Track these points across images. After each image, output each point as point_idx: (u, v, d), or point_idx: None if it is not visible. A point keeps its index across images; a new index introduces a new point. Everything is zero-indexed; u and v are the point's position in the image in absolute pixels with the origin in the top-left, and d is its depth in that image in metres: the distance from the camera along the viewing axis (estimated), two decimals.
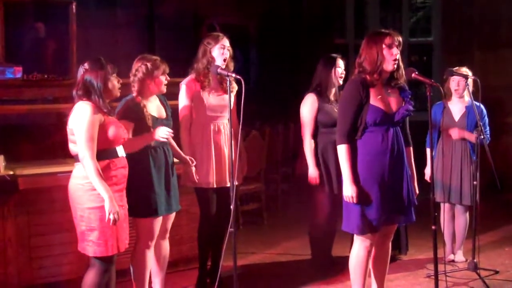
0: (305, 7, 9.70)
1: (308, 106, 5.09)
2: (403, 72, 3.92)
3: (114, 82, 3.78)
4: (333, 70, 5.10)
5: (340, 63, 5.16)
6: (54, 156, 5.23)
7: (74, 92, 3.74)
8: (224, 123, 4.70)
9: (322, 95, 5.09)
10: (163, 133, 4.09)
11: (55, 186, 4.41)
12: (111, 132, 3.70)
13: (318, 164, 5.06)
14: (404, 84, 3.98)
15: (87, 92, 3.68)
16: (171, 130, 4.15)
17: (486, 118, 5.28)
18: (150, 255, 4.30)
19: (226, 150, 4.67)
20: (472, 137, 5.15)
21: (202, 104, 4.62)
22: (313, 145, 5.08)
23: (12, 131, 5.94)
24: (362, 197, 3.81)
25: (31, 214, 4.51)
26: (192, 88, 4.62)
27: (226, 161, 4.66)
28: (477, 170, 5.10)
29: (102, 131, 3.66)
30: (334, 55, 5.21)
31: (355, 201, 3.81)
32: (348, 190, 3.83)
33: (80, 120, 3.61)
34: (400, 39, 3.86)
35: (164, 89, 4.26)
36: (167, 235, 4.45)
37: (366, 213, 3.83)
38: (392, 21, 10.70)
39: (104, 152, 3.68)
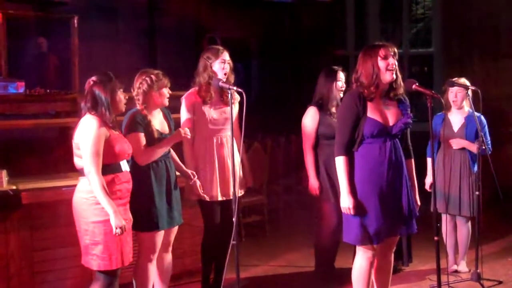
0: (306, 20, 9.75)
1: (310, 119, 5.11)
2: (401, 83, 3.93)
3: (121, 97, 3.83)
4: (334, 83, 5.11)
5: (341, 75, 5.16)
6: (57, 171, 5.25)
7: (82, 104, 3.79)
8: (227, 136, 4.71)
9: (323, 108, 5.11)
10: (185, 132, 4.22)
11: (58, 200, 4.42)
12: (116, 147, 3.73)
13: (318, 176, 5.07)
14: (404, 96, 3.99)
15: (95, 105, 3.72)
16: (188, 130, 4.27)
17: (486, 129, 5.28)
18: (153, 268, 4.29)
19: (229, 163, 4.67)
20: (472, 147, 5.15)
21: (204, 118, 4.64)
22: (313, 156, 5.09)
23: (15, 146, 5.96)
24: (360, 208, 3.83)
25: (34, 229, 4.51)
26: (193, 102, 4.65)
27: (229, 174, 4.66)
28: (478, 181, 5.10)
29: (107, 146, 3.69)
30: (335, 67, 5.21)
31: (352, 213, 3.83)
32: (346, 202, 3.84)
33: (86, 134, 3.64)
34: (396, 50, 3.88)
35: (166, 102, 4.29)
36: (170, 248, 4.45)
37: (365, 224, 3.84)
38: (392, 33, 10.73)
39: (108, 167, 3.71)
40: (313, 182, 5.08)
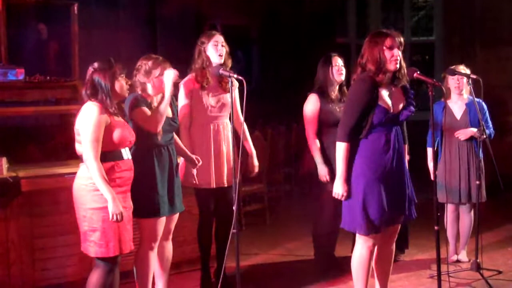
0: (307, 7, 9.71)
1: (310, 106, 5.10)
2: (405, 72, 3.92)
3: (122, 83, 3.81)
4: (330, 69, 5.11)
5: (338, 60, 5.15)
6: (56, 158, 5.25)
7: (83, 92, 3.78)
8: (224, 123, 4.71)
9: (324, 95, 5.10)
10: (171, 74, 4.08)
11: (58, 187, 4.42)
12: (116, 134, 3.71)
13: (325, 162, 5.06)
14: (407, 84, 3.98)
15: (95, 92, 3.71)
16: (177, 72, 4.14)
17: (487, 114, 5.26)
18: (154, 256, 4.29)
19: (225, 150, 4.67)
20: (478, 134, 5.14)
21: (201, 104, 4.63)
22: (318, 143, 5.07)
23: (15, 133, 5.95)
24: (366, 197, 3.81)
25: (34, 216, 4.51)
26: (191, 89, 4.63)
27: (225, 161, 4.67)
28: (479, 169, 5.09)
29: (108, 133, 3.67)
30: (331, 53, 5.21)
31: (343, 199, 3.86)
32: (339, 188, 3.84)
33: (86, 120, 3.62)
34: (402, 39, 3.85)
35: None
36: (170, 236, 4.44)
37: (369, 213, 3.82)
38: (394, 21, 10.69)
39: (109, 154, 3.69)
40: (321, 168, 5.04)
